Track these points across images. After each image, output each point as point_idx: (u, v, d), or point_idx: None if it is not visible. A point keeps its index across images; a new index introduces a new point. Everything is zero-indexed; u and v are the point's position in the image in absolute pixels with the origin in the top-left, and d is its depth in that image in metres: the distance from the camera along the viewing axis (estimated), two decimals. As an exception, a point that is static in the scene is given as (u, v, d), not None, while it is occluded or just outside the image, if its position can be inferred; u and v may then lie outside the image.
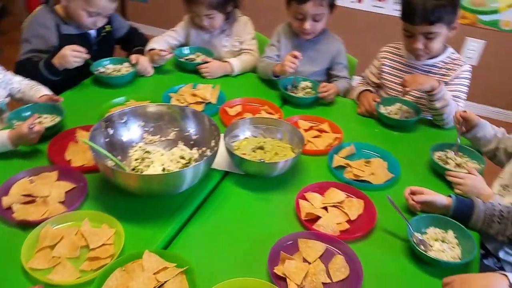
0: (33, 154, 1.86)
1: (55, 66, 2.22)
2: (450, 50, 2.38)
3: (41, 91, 2.12)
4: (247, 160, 1.78)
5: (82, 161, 1.81)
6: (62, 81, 2.27)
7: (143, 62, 2.47)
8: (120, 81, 2.39)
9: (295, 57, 2.37)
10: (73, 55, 2.20)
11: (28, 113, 1.98)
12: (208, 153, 1.80)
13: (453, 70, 2.33)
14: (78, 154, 1.84)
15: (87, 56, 2.25)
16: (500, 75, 4.07)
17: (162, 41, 2.67)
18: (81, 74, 2.37)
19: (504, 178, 1.91)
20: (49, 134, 1.90)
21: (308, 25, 2.42)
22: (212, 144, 1.80)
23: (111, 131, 1.78)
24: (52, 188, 1.66)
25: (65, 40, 2.36)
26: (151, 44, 2.61)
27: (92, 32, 2.52)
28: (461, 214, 1.63)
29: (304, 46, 2.57)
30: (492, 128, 2.06)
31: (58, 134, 1.94)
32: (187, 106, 2.15)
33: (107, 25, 2.57)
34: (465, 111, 2.03)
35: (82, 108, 2.18)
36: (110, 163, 1.67)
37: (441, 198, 1.67)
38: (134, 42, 2.67)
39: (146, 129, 1.88)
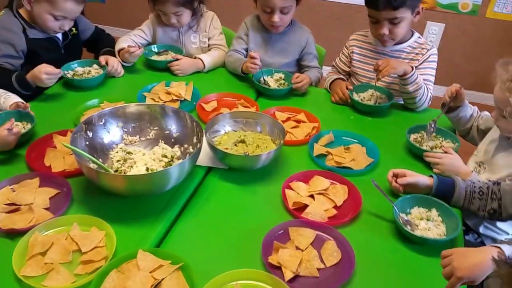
0: (11, 162, 1.82)
1: (28, 82, 2.18)
2: (417, 35, 2.42)
3: (11, 99, 2.07)
4: (230, 154, 1.78)
5: (63, 166, 1.79)
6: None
7: (113, 63, 2.43)
8: (91, 83, 2.35)
9: (254, 57, 2.39)
10: (47, 78, 2.16)
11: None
12: (191, 149, 1.80)
13: (421, 54, 2.38)
14: (58, 159, 1.81)
15: (60, 74, 2.22)
16: (460, 57, 4.18)
17: (130, 41, 2.64)
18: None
19: (478, 155, 1.97)
20: (21, 141, 1.87)
21: (276, 18, 2.42)
22: (195, 140, 1.80)
23: (90, 134, 1.76)
24: (35, 195, 1.63)
25: (33, 44, 2.32)
26: (120, 44, 2.58)
27: (59, 36, 2.47)
28: (443, 193, 1.67)
29: (273, 38, 2.59)
30: (470, 108, 2.12)
31: (35, 140, 1.91)
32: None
33: (74, 28, 2.52)
34: (460, 87, 2.06)
35: (54, 113, 2.14)
36: (93, 166, 1.65)
37: (424, 179, 1.71)
38: (101, 43, 2.62)
39: (125, 130, 1.86)
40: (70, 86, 2.36)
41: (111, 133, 1.83)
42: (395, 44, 2.39)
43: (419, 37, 2.42)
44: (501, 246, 1.34)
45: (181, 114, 1.85)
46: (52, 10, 2.27)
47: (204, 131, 1.77)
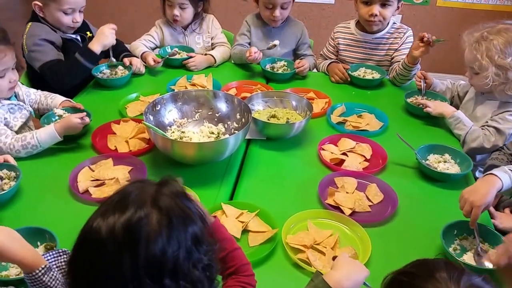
0: (79, 149, 2.06)
1: (93, 52, 2.44)
2: (392, 20, 2.81)
3: (57, 98, 2.29)
4: (272, 123, 2.11)
5: (127, 148, 2.05)
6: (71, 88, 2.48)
7: (136, 63, 2.68)
8: (121, 82, 2.59)
9: (250, 53, 2.66)
10: (112, 33, 2.51)
11: (56, 118, 2.16)
12: (234, 124, 2.11)
13: (399, 38, 2.77)
14: (121, 143, 2.06)
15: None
16: (417, 43, 4.63)
17: (142, 46, 2.87)
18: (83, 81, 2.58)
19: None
20: (82, 132, 2.10)
21: (278, 12, 2.76)
22: (238, 116, 2.10)
23: (151, 117, 2.02)
24: (114, 171, 1.88)
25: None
26: (139, 48, 2.84)
27: (79, 38, 2.67)
28: None
29: (273, 32, 2.92)
30: (441, 83, 2.54)
31: (95, 130, 2.14)
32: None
33: (88, 32, 2.72)
34: (422, 71, 2.52)
35: (97, 108, 2.33)
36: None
37: None
38: (117, 49, 2.77)
39: (179, 113, 2.14)
40: (100, 86, 2.59)
41: (168, 116, 2.11)
42: (376, 32, 2.77)
43: (394, 23, 2.81)
44: (497, 174, 1.63)
45: (229, 96, 2.17)
46: (59, 6, 2.46)
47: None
